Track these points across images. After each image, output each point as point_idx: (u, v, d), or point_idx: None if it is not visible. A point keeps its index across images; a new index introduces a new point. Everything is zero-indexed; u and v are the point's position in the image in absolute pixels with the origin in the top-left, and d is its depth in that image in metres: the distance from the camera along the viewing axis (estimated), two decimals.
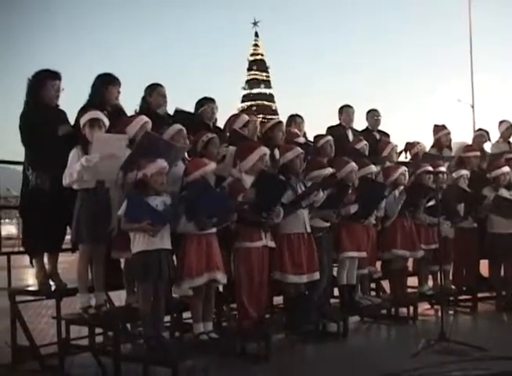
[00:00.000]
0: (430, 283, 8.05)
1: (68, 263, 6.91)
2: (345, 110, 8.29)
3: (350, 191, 6.57)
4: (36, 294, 5.86)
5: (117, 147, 5.12)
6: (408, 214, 7.46)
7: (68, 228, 5.52)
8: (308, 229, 6.23)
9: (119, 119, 5.60)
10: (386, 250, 7.40)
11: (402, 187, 7.31)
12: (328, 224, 6.57)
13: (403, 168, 7.38)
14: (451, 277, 8.22)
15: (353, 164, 6.77)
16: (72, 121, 5.64)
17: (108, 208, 5.18)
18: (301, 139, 6.97)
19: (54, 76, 5.66)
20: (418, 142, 8.33)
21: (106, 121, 5.29)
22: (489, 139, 9.10)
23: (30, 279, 8.16)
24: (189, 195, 5.21)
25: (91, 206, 5.14)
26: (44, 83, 5.59)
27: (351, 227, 6.81)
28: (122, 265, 5.66)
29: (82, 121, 5.23)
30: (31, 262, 5.75)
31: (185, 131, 5.75)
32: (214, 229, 5.39)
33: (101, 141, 5.05)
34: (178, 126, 5.76)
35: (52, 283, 5.69)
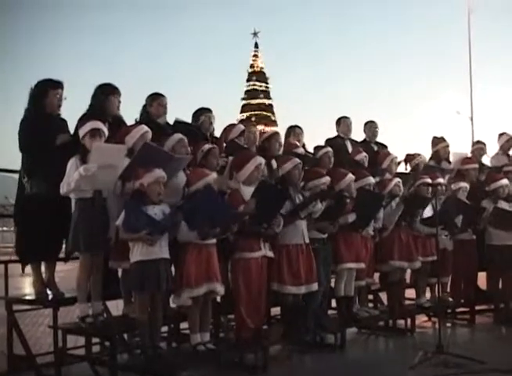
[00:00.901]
0: (428, 295, 8.04)
1: (65, 272, 6.91)
2: (343, 122, 8.31)
3: (348, 202, 6.56)
4: (33, 303, 5.86)
5: (116, 157, 5.12)
6: (405, 225, 7.46)
7: (65, 237, 5.50)
8: (307, 240, 6.23)
9: (119, 129, 5.61)
10: (383, 261, 7.39)
11: (398, 198, 7.31)
12: (325, 235, 6.56)
13: (397, 179, 7.38)
14: (449, 289, 8.23)
15: (351, 175, 6.77)
16: (72, 130, 5.66)
17: (105, 218, 5.18)
18: (301, 150, 6.98)
19: (56, 85, 5.68)
20: (418, 154, 8.33)
21: (106, 132, 5.30)
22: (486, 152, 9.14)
23: (27, 288, 8.15)
24: (192, 204, 5.21)
25: (88, 215, 5.13)
26: (46, 92, 5.61)
27: (349, 238, 6.80)
28: (119, 275, 5.64)
29: (83, 131, 5.24)
30: (23, 271, 5.76)
31: (186, 141, 5.76)
32: (214, 240, 5.39)
33: (100, 151, 5.05)
34: (178, 136, 5.77)
35: (49, 292, 5.67)
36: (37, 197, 5.45)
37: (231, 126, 6.74)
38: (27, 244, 5.60)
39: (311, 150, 7.40)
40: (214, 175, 5.50)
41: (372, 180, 7.13)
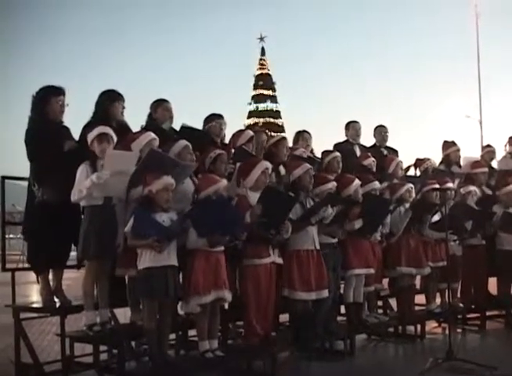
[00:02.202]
0: (438, 300, 8.01)
1: (72, 280, 6.94)
2: (352, 126, 8.32)
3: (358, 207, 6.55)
4: (40, 311, 5.88)
5: (128, 164, 5.16)
6: (413, 230, 7.43)
7: (74, 244, 5.54)
8: (317, 246, 6.22)
9: (125, 135, 5.61)
10: (391, 267, 7.38)
11: (407, 204, 7.30)
12: (335, 240, 6.56)
13: (409, 185, 7.37)
14: (459, 295, 8.18)
15: (357, 180, 6.76)
16: (76, 137, 5.68)
17: (114, 225, 5.19)
18: (301, 151, 6.97)
19: (58, 92, 5.70)
20: (428, 159, 8.34)
21: (115, 136, 5.31)
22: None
23: (34, 295, 8.17)
24: (202, 211, 5.21)
25: (98, 223, 5.15)
26: (48, 99, 5.63)
27: (357, 244, 6.78)
28: (127, 282, 5.64)
29: (90, 136, 5.25)
30: (38, 279, 5.75)
31: (191, 148, 5.76)
32: (222, 246, 5.39)
33: (113, 158, 5.08)
34: (183, 142, 5.77)
35: (56, 299, 5.69)
36: (49, 205, 5.45)
37: (239, 132, 6.73)
38: (41, 253, 5.59)
39: (319, 155, 7.41)
40: (224, 181, 5.51)
41: (377, 185, 7.10)
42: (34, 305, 6.03)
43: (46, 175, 5.49)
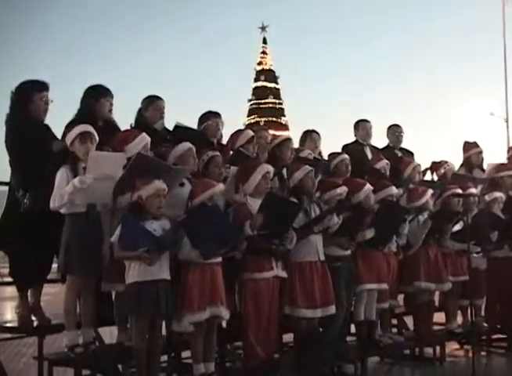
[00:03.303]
0: (460, 319, 8.03)
1: (52, 295, 6.92)
2: (362, 125, 8.34)
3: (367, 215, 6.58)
4: (16, 331, 5.89)
5: (114, 167, 5.16)
6: (433, 241, 7.45)
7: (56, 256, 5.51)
8: (322, 257, 6.24)
9: (113, 135, 5.64)
10: (408, 282, 7.38)
11: (426, 213, 7.31)
12: (348, 252, 6.57)
13: (431, 192, 7.38)
14: (483, 313, 8.20)
15: (369, 185, 6.79)
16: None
17: (99, 234, 5.22)
18: (308, 154, 7.01)
19: (42, 87, 5.72)
20: (446, 162, 8.36)
21: (97, 136, 5.32)
22: None
23: (8, 313, 8.18)
24: (195, 219, 5.25)
25: (81, 232, 5.16)
26: (31, 96, 5.64)
27: (369, 256, 6.80)
28: (113, 298, 5.66)
29: (71, 136, 5.26)
30: (21, 295, 5.74)
31: (194, 150, 5.81)
32: (219, 259, 5.43)
33: (97, 160, 5.09)
34: (187, 145, 5.80)
35: (34, 318, 5.69)
36: (36, 213, 5.43)
37: (238, 132, 6.76)
38: (25, 267, 5.59)
39: (326, 157, 7.44)
40: (220, 185, 5.55)
41: (394, 191, 7.12)
42: (9, 325, 6.03)
43: (34, 180, 5.47)
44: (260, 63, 46.99)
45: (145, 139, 5.55)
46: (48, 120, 5.87)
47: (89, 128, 5.31)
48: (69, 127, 5.52)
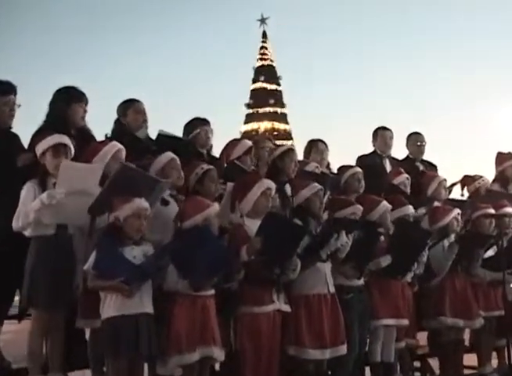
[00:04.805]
0: (495, 362, 8.01)
1: (14, 333, 6.88)
2: (381, 134, 8.40)
3: (382, 237, 6.62)
4: None
5: (89, 181, 5.16)
6: (460, 269, 7.41)
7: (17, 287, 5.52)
8: (332, 289, 6.24)
9: (86, 146, 5.64)
10: (431, 317, 7.36)
11: (453, 236, 7.30)
12: (361, 282, 6.57)
13: (456, 211, 7.34)
14: None
15: (385, 203, 6.81)
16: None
17: (71, 261, 5.22)
18: (315, 167, 7.04)
19: (6, 90, 5.78)
20: (480, 176, 8.38)
21: (73, 149, 5.35)
22: None
23: None
24: (185, 245, 5.26)
25: (49, 259, 5.16)
26: None
27: (385, 286, 6.79)
28: (87, 337, 5.66)
29: (41, 147, 5.28)
30: None
31: (178, 161, 5.83)
32: (212, 290, 5.45)
33: (69, 172, 5.08)
34: (169, 155, 5.83)
35: None
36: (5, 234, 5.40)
37: (234, 142, 6.82)
38: None
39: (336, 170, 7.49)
40: (216, 206, 5.56)
41: (411, 210, 7.12)
42: None
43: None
44: (259, 60, 47.03)
45: (115, 146, 5.56)
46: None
47: (65, 139, 5.33)
48: (37, 135, 5.54)
